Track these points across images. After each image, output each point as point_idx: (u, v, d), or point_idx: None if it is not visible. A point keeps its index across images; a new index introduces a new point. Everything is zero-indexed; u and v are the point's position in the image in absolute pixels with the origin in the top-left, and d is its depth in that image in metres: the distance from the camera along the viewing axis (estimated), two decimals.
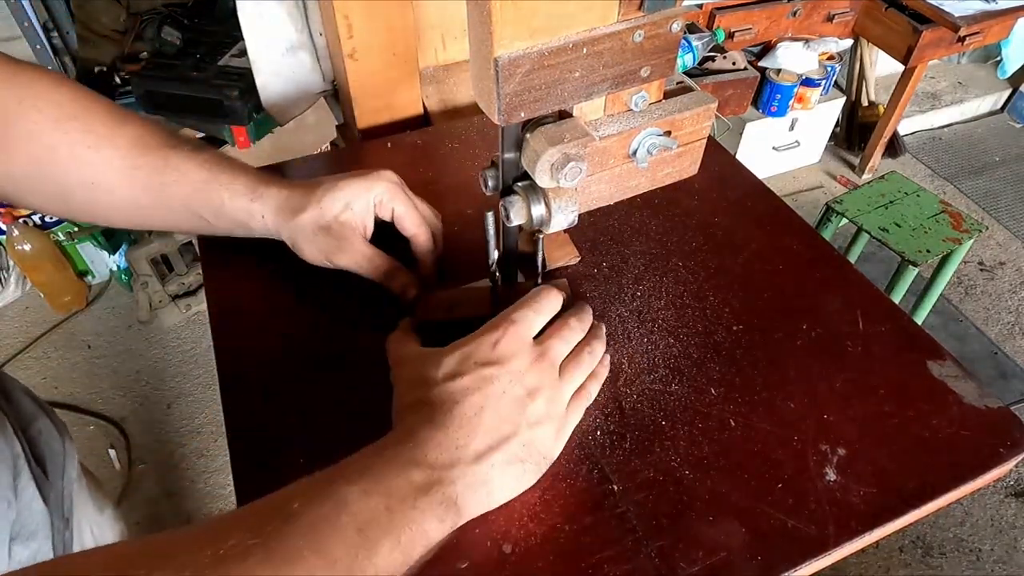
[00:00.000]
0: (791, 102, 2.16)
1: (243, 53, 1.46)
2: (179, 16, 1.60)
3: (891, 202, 1.59)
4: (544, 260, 0.53)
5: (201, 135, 1.49)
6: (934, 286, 1.64)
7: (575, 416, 0.46)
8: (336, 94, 0.89)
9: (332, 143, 0.94)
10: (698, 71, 1.87)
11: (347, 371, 0.52)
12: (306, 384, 0.51)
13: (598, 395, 0.50)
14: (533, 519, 0.43)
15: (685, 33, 0.44)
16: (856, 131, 2.50)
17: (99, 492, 0.75)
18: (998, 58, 2.56)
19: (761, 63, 2.11)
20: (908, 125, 2.66)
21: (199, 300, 1.91)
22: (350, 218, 0.53)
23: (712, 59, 1.89)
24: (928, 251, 1.48)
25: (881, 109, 2.40)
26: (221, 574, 0.31)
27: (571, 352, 0.47)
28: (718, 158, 0.70)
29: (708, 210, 0.66)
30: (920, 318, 1.70)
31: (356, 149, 0.80)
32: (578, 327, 0.47)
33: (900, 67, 2.07)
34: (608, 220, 0.64)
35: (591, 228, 0.63)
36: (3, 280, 1.92)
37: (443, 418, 0.41)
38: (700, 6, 1.85)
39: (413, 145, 0.74)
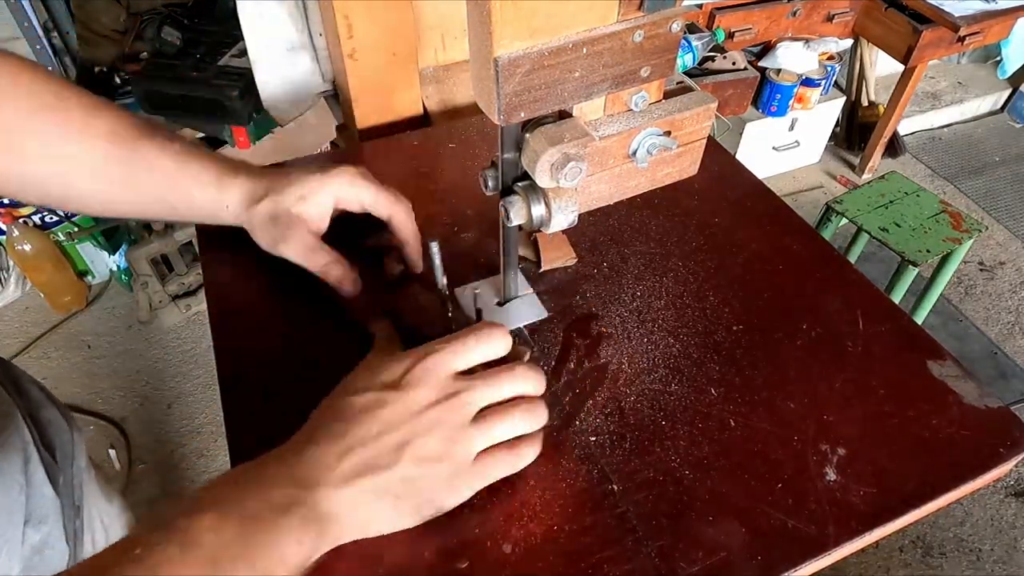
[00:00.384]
0: (791, 102, 2.16)
1: (243, 53, 1.46)
2: (179, 16, 1.60)
3: (891, 202, 1.59)
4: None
5: (201, 135, 1.49)
6: (934, 286, 1.64)
7: (489, 472, 0.42)
8: (336, 94, 0.89)
9: (332, 143, 0.94)
10: (698, 71, 1.87)
11: (347, 372, 0.52)
12: (306, 384, 0.51)
13: (598, 395, 0.50)
14: (533, 519, 0.43)
15: (685, 33, 0.44)
16: (856, 131, 2.49)
17: (107, 483, 0.75)
18: (998, 58, 2.56)
19: (761, 63, 2.11)
20: (908, 125, 2.66)
21: (199, 300, 1.91)
22: (302, 211, 0.54)
23: (712, 59, 1.89)
24: (928, 251, 1.48)
25: (881, 109, 2.40)
26: None
27: (501, 403, 0.43)
28: (718, 158, 0.70)
29: (708, 210, 0.66)
30: (920, 318, 1.70)
31: (356, 149, 0.80)
32: (521, 381, 0.43)
33: (900, 67, 2.07)
34: (608, 220, 0.64)
35: (591, 228, 0.63)
36: (3, 280, 1.92)
37: (324, 433, 0.40)
38: (700, 6, 1.85)
39: (413, 145, 0.74)
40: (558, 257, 0.60)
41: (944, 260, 1.57)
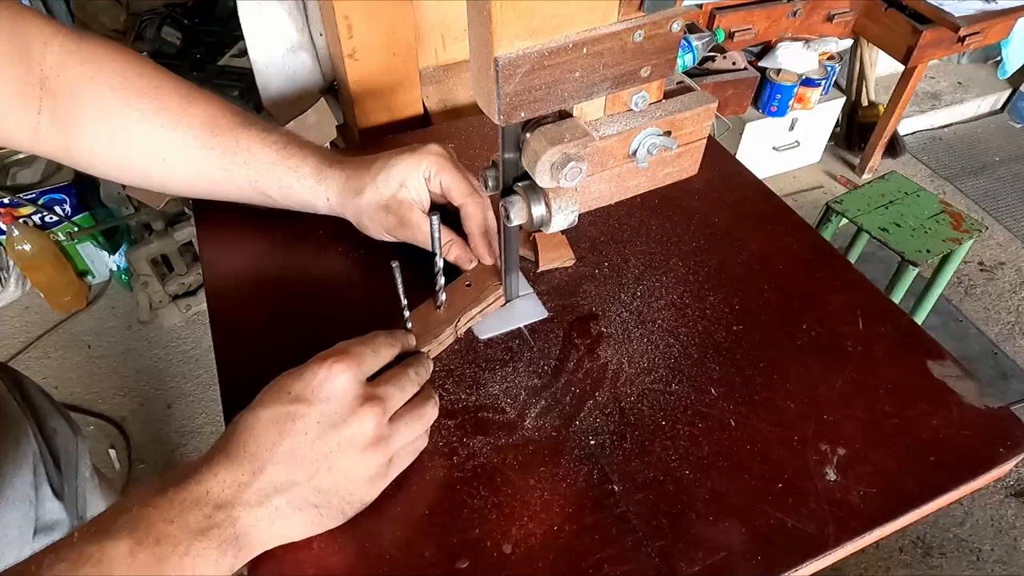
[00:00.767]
0: (791, 102, 2.15)
1: (243, 53, 1.46)
2: (179, 16, 1.60)
3: (891, 202, 1.59)
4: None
5: None
6: (934, 286, 1.64)
7: (401, 464, 0.44)
8: (336, 94, 0.89)
9: (332, 143, 0.94)
10: (698, 71, 1.87)
11: None
12: None
13: (598, 395, 0.50)
14: (533, 519, 0.43)
15: (685, 33, 0.44)
16: (856, 131, 2.49)
17: (109, 489, 0.75)
18: (998, 58, 2.56)
19: (761, 63, 2.11)
20: (908, 125, 2.66)
21: (199, 300, 1.91)
22: (406, 195, 0.55)
23: (712, 59, 1.89)
24: (928, 251, 1.48)
25: (881, 109, 2.40)
26: None
27: (407, 403, 0.44)
28: (718, 158, 0.70)
29: (708, 210, 0.66)
30: (920, 318, 1.70)
31: (356, 149, 0.80)
32: (415, 379, 0.44)
33: (900, 67, 2.07)
34: (608, 220, 0.64)
35: (591, 228, 0.63)
36: (3, 280, 1.92)
37: (236, 448, 0.39)
38: (700, 6, 1.85)
39: None
40: (556, 257, 0.60)
41: (944, 260, 1.57)
